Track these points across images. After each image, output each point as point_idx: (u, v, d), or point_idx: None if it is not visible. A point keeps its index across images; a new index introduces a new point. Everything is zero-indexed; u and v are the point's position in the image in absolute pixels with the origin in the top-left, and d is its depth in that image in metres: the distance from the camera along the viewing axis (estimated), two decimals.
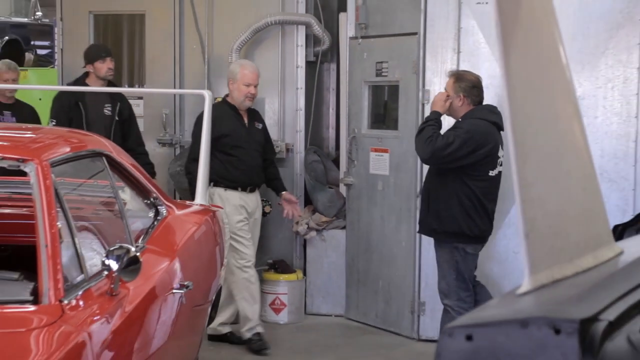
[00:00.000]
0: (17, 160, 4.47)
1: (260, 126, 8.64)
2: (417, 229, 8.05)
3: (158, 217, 5.89)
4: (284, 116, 9.75)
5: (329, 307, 9.44)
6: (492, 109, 7.66)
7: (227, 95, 8.56)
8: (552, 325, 2.56)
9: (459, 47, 8.62)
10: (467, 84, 7.58)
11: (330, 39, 9.84)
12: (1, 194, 6.46)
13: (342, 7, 9.73)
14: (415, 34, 8.71)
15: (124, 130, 8.85)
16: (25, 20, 18.45)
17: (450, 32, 8.62)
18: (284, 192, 8.66)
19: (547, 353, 2.59)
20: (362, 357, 8.42)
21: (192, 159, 8.07)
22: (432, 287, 8.68)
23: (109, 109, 8.71)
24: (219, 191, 8.38)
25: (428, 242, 8.70)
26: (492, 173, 7.55)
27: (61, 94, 8.82)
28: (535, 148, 2.97)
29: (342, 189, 9.59)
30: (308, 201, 9.77)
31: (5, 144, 4.81)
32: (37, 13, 18.88)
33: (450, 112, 7.62)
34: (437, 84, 8.64)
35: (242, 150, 8.34)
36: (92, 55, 8.79)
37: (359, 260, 9.31)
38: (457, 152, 7.39)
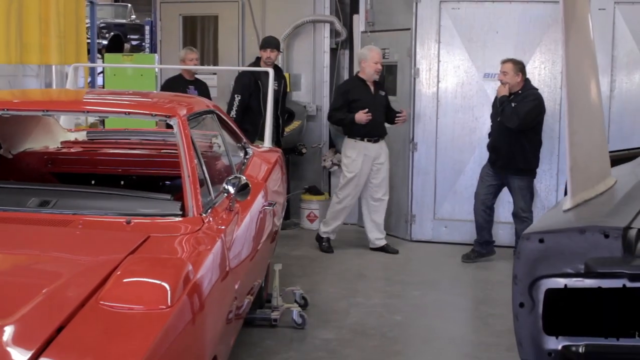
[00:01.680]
0: (165, 116, 4.31)
1: (383, 93, 8.13)
2: (490, 166, 7.80)
3: (247, 156, 5.75)
4: (314, 86, 9.65)
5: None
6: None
7: (358, 72, 8.16)
8: (603, 231, 2.51)
9: (439, 39, 8.51)
10: (521, 65, 7.59)
11: (347, 33, 9.63)
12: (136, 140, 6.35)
13: (355, 10, 9.57)
14: (409, 29, 8.59)
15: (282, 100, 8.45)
16: (123, 21, 18.15)
17: (434, 28, 8.49)
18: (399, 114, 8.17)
19: (598, 251, 2.54)
20: (369, 248, 8.32)
21: (333, 110, 8.12)
22: (420, 205, 8.64)
23: (276, 85, 8.10)
24: (351, 141, 8.09)
25: (417, 175, 8.63)
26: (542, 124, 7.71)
27: (242, 75, 8.16)
28: (579, 108, 2.87)
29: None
30: (332, 144, 9.60)
31: (155, 106, 4.64)
32: (132, 16, 18.65)
33: (511, 88, 7.53)
34: (424, 64, 8.54)
35: (368, 111, 7.87)
36: (261, 44, 8.32)
37: None
38: (534, 114, 7.50)
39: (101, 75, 12.80)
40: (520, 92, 7.53)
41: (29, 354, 2.46)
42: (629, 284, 2.60)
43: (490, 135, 7.82)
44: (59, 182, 5.66)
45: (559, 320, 2.79)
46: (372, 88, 8.04)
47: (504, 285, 7.18)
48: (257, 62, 8.29)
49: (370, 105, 7.95)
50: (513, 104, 7.47)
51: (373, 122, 7.96)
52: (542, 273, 2.74)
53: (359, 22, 9.30)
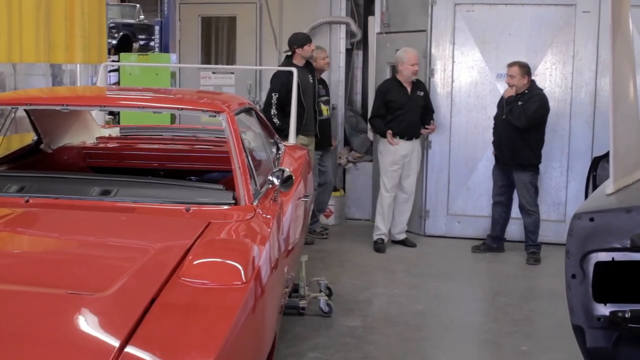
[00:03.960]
0: (214, 112, 4.58)
1: (421, 94, 8.37)
2: (496, 165, 8.21)
3: (279, 151, 6.01)
4: (330, 86, 9.77)
5: (361, 214, 9.63)
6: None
7: (395, 73, 8.36)
8: None
9: (454, 40, 8.77)
10: (527, 68, 7.92)
11: (361, 34, 9.90)
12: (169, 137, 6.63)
13: (370, 12, 9.84)
14: (424, 31, 8.84)
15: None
16: (132, 21, 18.39)
17: (448, 30, 8.75)
18: (428, 125, 8.46)
19: None
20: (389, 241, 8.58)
21: (373, 116, 8.39)
22: (434, 201, 8.93)
23: (311, 79, 8.33)
24: (384, 138, 8.34)
25: (431, 171, 8.91)
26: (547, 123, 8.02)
27: (279, 75, 8.07)
28: (622, 104, 3.16)
29: (370, 134, 9.65)
30: (347, 142, 9.87)
31: (206, 102, 4.90)
32: (140, 16, 18.86)
33: (517, 90, 7.88)
34: (439, 65, 8.80)
35: (403, 111, 8.21)
36: (301, 41, 8.30)
37: None
38: (540, 114, 7.85)
39: (112, 74, 13.08)
40: (526, 92, 7.86)
41: (132, 321, 2.75)
42: None
43: (493, 134, 8.16)
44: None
45: (607, 290, 3.11)
46: (408, 89, 8.30)
47: (518, 278, 7.54)
48: (287, 60, 8.40)
49: (405, 106, 8.23)
50: (520, 103, 7.80)
51: (407, 122, 8.26)
52: (592, 248, 3.08)
53: (375, 24, 9.57)
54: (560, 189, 8.61)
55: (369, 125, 9.28)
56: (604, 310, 3.10)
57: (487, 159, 8.63)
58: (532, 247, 8.03)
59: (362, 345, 5.68)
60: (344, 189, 9.74)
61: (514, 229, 8.46)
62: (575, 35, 8.42)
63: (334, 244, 8.58)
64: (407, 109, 8.24)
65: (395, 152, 8.28)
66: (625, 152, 3.27)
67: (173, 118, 10.96)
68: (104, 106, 4.88)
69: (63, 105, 4.62)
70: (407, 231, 8.66)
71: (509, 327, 6.17)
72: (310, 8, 9.82)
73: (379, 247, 8.39)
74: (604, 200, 3.24)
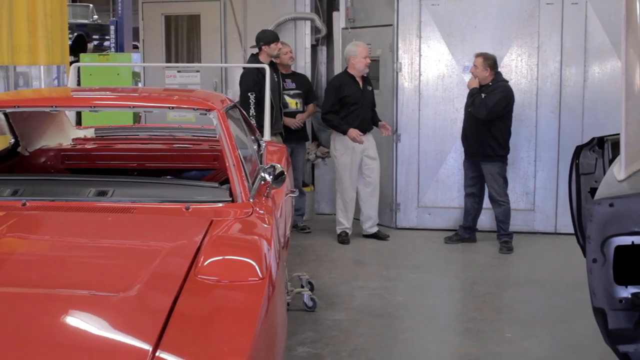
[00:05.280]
0: (205, 110, 4.59)
1: (370, 88, 8.47)
2: (465, 157, 8.34)
3: (261, 147, 6.04)
4: None
5: (331, 209, 9.61)
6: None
7: (347, 68, 8.40)
8: None
9: (420, 34, 8.87)
10: (491, 61, 8.02)
11: (326, 30, 9.95)
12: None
13: (334, 7, 9.88)
14: (390, 25, 8.93)
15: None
16: (86, 21, 18.19)
17: (414, 23, 8.85)
18: (380, 122, 8.50)
19: None
20: (360, 237, 8.66)
21: (327, 112, 8.35)
22: (405, 193, 9.03)
23: (276, 77, 8.39)
24: (339, 135, 8.37)
25: (401, 165, 9.01)
26: (512, 114, 8.11)
27: (249, 73, 8.15)
28: (634, 94, 3.26)
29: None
30: (314, 138, 9.90)
31: (196, 100, 4.90)
32: (94, 16, 18.67)
33: (480, 81, 8.00)
34: (406, 59, 8.89)
35: (358, 106, 8.30)
36: (269, 38, 8.33)
37: None
38: (502, 105, 7.92)
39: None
40: (490, 84, 7.99)
41: (160, 324, 2.73)
42: None
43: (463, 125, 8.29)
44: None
45: (628, 272, 3.22)
46: (360, 84, 8.38)
47: (493, 267, 7.68)
48: (254, 58, 8.43)
49: (359, 101, 8.32)
50: (483, 95, 7.93)
51: (362, 117, 8.33)
52: (612, 232, 3.19)
53: (339, 19, 9.63)
54: (529, 179, 8.77)
55: (311, 118, 9.40)
56: (625, 292, 3.21)
57: (455, 151, 8.75)
58: (504, 236, 8.17)
59: (350, 338, 5.74)
60: (313, 184, 9.78)
61: (484, 218, 8.59)
62: (539, 26, 8.58)
63: (308, 239, 8.63)
64: (361, 104, 8.33)
65: (354, 147, 8.35)
66: (636, 140, 3.38)
67: (136, 118, 10.92)
68: (95, 107, 4.86)
69: (52, 107, 4.60)
70: (378, 224, 8.75)
71: (491, 315, 6.28)
72: (275, 4, 9.82)
73: (342, 239, 8.48)
74: (619, 186, 3.35)
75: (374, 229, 8.65)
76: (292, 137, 8.76)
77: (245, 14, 9.90)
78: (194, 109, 4.67)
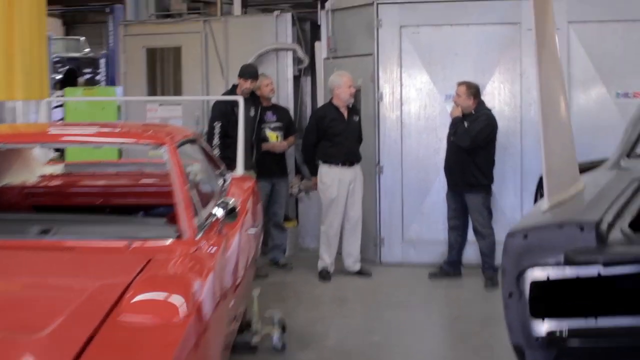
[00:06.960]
0: (155, 144, 4.51)
1: (357, 119, 8.37)
2: (448, 188, 8.21)
3: (226, 183, 5.94)
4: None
5: (315, 244, 9.44)
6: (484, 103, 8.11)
7: (331, 99, 8.33)
8: (579, 225, 2.86)
9: (401, 62, 8.80)
10: (474, 90, 7.95)
11: (308, 60, 9.89)
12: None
13: (316, 38, 9.82)
14: (371, 54, 8.85)
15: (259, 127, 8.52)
16: (77, 55, 18.25)
17: (395, 52, 8.77)
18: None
19: (575, 243, 2.87)
20: (344, 272, 8.49)
21: (308, 145, 8.36)
22: (389, 227, 8.89)
23: (253, 111, 8.33)
24: (325, 166, 8.29)
25: (384, 197, 8.88)
26: (496, 143, 8.04)
27: (219, 103, 8.16)
28: (551, 122, 3.19)
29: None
30: (298, 171, 9.78)
31: (145, 134, 4.83)
32: (86, 49, 18.72)
33: (463, 110, 7.91)
34: (387, 88, 8.82)
35: (342, 137, 8.20)
36: (242, 73, 8.31)
37: None
38: (485, 134, 7.86)
39: (57, 109, 12.93)
40: (473, 113, 7.89)
41: None
42: (603, 272, 2.97)
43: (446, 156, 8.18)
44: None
45: (543, 306, 3.12)
46: (345, 114, 8.28)
47: (476, 303, 7.51)
48: (233, 89, 8.36)
49: (343, 131, 8.21)
50: (466, 124, 7.83)
51: (347, 148, 8.23)
52: (526, 265, 3.09)
53: (321, 49, 9.57)
54: (515, 210, 8.60)
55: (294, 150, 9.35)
56: (541, 327, 3.11)
57: (440, 182, 8.60)
58: (489, 270, 7.97)
59: None
60: (297, 219, 9.66)
61: (470, 252, 8.41)
62: (521, 53, 8.46)
63: (289, 276, 8.49)
64: (345, 135, 8.23)
65: (340, 180, 8.23)
66: (558, 169, 3.31)
67: (120, 153, 10.85)
68: (44, 143, 4.78)
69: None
70: (362, 259, 8.60)
71: (468, 354, 6.12)
72: (256, 35, 9.77)
73: (323, 276, 8.32)
74: (539, 217, 3.27)
75: (357, 266, 8.47)
76: (273, 171, 8.67)
77: (227, 45, 9.86)
78: (143, 144, 4.59)
